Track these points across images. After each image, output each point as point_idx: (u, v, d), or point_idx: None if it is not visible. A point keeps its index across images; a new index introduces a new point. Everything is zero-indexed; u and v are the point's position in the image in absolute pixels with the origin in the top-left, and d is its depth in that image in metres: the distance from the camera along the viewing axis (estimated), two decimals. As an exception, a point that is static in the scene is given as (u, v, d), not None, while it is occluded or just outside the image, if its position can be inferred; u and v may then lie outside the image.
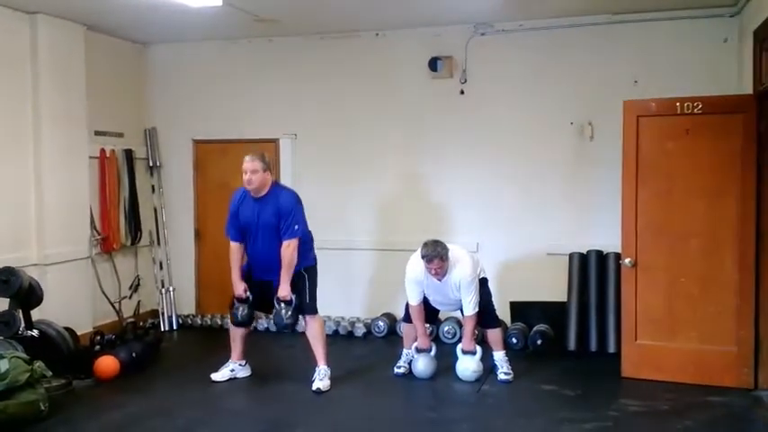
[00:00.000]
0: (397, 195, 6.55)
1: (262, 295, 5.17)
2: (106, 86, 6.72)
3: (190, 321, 7.17)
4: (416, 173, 6.51)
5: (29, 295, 5.23)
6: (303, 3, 5.69)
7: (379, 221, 6.69)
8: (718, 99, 5.09)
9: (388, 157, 6.67)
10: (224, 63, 7.09)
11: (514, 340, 6.05)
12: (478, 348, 5.25)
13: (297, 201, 5.08)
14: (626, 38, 6.00)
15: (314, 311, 5.16)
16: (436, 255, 4.94)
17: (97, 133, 6.59)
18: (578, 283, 6.04)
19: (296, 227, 4.94)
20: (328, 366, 5.16)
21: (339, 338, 6.53)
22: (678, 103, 5.07)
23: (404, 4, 5.74)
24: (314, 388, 5.01)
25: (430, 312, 5.42)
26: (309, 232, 5.20)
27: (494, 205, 6.34)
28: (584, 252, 6.07)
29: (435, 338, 6.10)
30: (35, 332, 5.20)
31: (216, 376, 5.30)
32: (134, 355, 5.60)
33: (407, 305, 5.36)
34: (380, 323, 6.58)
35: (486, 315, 5.27)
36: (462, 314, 5.24)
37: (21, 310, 5.16)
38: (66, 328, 5.51)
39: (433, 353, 5.37)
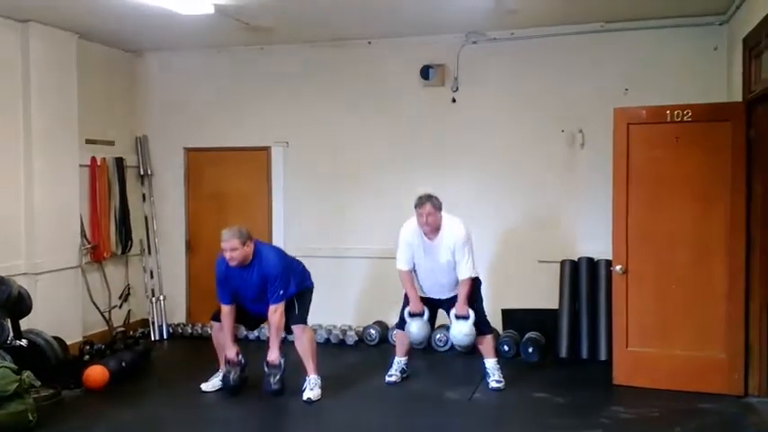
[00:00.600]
0: (389, 203, 6.54)
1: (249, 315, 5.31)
2: (97, 95, 6.71)
3: (180, 330, 7.13)
4: (408, 180, 6.51)
5: (18, 304, 5.19)
6: (294, 11, 5.70)
7: (371, 229, 6.67)
8: (707, 107, 5.11)
9: (379, 165, 6.67)
10: (215, 71, 7.09)
11: (506, 348, 6.04)
12: (471, 313, 5.18)
13: (281, 261, 5.10)
14: (616, 46, 6.03)
15: (303, 322, 5.16)
16: (428, 199, 5.03)
17: (88, 141, 6.57)
18: (569, 290, 6.05)
19: (281, 291, 5.00)
20: (318, 376, 5.14)
21: (331, 347, 6.50)
22: (668, 111, 5.09)
23: (395, 13, 5.75)
24: (305, 398, 4.98)
25: (430, 310, 5.33)
26: (300, 263, 5.31)
27: (485, 212, 6.34)
28: (576, 259, 6.09)
29: (428, 347, 6.11)
30: (24, 342, 5.17)
31: (206, 386, 5.27)
32: (124, 364, 5.57)
33: (401, 312, 5.32)
34: (372, 331, 6.57)
35: (477, 321, 5.25)
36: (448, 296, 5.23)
37: (9, 320, 5.13)
38: (56, 338, 5.47)
39: (425, 317, 5.28)
